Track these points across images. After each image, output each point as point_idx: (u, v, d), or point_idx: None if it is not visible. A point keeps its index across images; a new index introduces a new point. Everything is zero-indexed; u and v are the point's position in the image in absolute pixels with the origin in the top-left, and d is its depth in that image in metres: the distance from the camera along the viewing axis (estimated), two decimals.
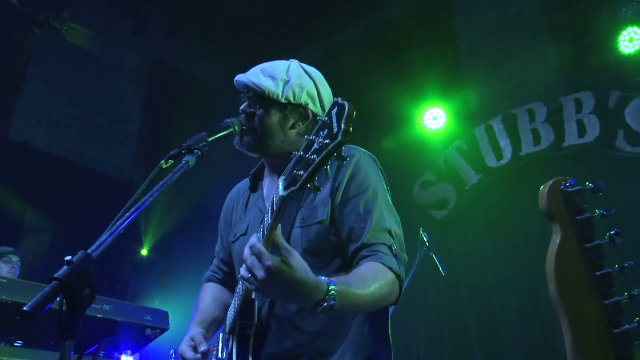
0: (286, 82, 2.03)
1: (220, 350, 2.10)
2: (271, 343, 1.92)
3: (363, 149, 2.09)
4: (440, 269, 4.76)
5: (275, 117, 2.03)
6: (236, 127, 1.99)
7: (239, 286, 1.93)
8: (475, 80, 7.05)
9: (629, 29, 5.91)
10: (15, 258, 5.45)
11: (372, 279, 1.71)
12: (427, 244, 4.66)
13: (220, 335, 2.16)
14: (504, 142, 6.49)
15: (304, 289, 1.50)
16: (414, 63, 7.15)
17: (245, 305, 1.88)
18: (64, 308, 1.33)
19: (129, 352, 3.97)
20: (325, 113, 1.31)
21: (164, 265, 9.09)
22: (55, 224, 7.71)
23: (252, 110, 2.05)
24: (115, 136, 8.96)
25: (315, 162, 1.26)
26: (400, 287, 1.83)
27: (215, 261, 2.49)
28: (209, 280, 2.46)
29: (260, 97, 2.03)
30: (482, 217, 6.56)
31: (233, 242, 2.24)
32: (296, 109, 2.05)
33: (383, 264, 1.79)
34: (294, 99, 2.03)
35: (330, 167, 1.29)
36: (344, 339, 1.91)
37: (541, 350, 5.62)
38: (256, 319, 1.91)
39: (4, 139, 7.71)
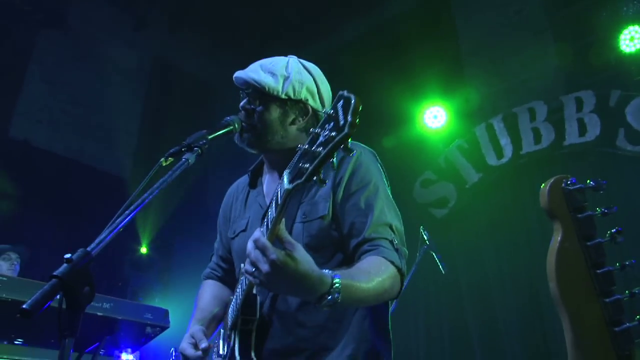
0: (286, 78, 2.03)
1: (221, 347, 2.10)
2: (273, 338, 1.93)
3: (364, 145, 2.09)
4: (441, 267, 4.76)
5: (275, 113, 2.04)
6: (236, 125, 1.99)
7: (241, 282, 1.93)
8: (476, 78, 7.04)
9: (630, 27, 5.91)
10: (14, 255, 5.45)
11: (374, 273, 1.72)
12: (427, 242, 4.66)
13: (221, 332, 2.16)
14: (505, 141, 6.49)
15: (309, 282, 1.50)
16: (414, 62, 7.14)
17: (247, 301, 1.88)
18: (64, 306, 1.32)
19: (129, 350, 3.98)
20: (330, 106, 1.31)
21: (164, 264, 9.09)
22: (55, 222, 7.71)
23: (251, 106, 2.05)
24: (115, 134, 8.95)
25: (322, 154, 1.26)
26: (402, 281, 1.84)
27: (214, 258, 2.48)
28: (208, 277, 2.46)
29: (260, 94, 2.03)
30: (483, 216, 6.56)
31: (232, 238, 2.24)
32: (296, 105, 2.05)
33: (385, 258, 1.80)
34: (294, 94, 2.03)
35: (336, 160, 1.28)
36: (345, 333, 1.92)
37: (541, 348, 5.62)
38: (258, 314, 1.92)
39: (4, 137, 7.71)
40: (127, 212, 1.51)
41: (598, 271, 1.21)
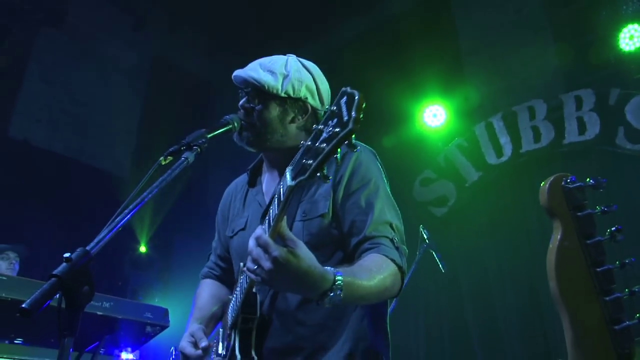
0: (285, 77, 2.03)
1: (220, 347, 2.10)
2: (273, 337, 1.93)
3: (363, 144, 2.10)
4: (440, 266, 4.76)
5: (274, 111, 2.04)
6: (235, 124, 1.99)
7: (241, 280, 1.93)
8: (476, 77, 7.04)
9: (630, 26, 5.90)
10: (12, 254, 5.42)
11: (376, 271, 1.72)
12: (427, 241, 4.66)
13: (220, 331, 2.16)
14: (504, 140, 6.49)
15: (311, 279, 1.50)
16: (414, 60, 7.14)
17: (248, 299, 1.88)
18: (63, 305, 1.32)
19: (129, 349, 3.98)
20: (329, 104, 1.31)
21: (164, 263, 9.09)
22: (54, 221, 7.71)
23: (251, 105, 2.05)
24: (114, 133, 8.95)
25: (326, 150, 1.26)
26: (402, 279, 1.85)
27: (212, 258, 2.48)
28: (206, 276, 2.45)
29: (259, 92, 2.03)
30: (482, 215, 6.56)
31: (231, 237, 2.24)
32: (295, 103, 2.05)
33: (386, 256, 1.80)
34: (294, 93, 2.03)
35: (339, 156, 1.28)
36: (343, 332, 1.92)
37: (541, 347, 5.62)
38: (258, 312, 1.92)
39: (4, 136, 7.71)
40: (126, 211, 1.51)
41: (598, 269, 1.21)
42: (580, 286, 1.19)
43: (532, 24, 6.80)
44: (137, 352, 4.09)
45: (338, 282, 1.54)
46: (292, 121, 2.06)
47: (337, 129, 1.25)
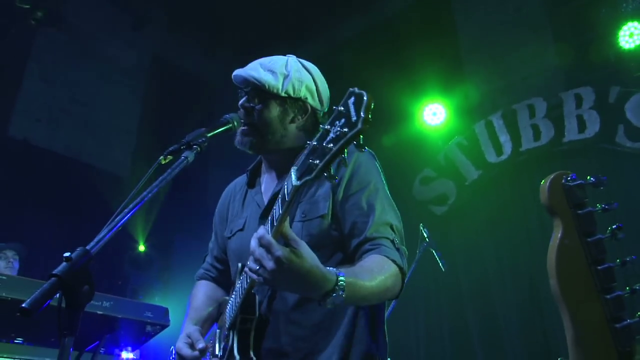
0: (286, 76, 2.03)
1: (216, 348, 2.10)
2: (270, 338, 1.93)
3: None
4: (441, 264, 4.76)
5: (275, 111, 2.04)
6: (235, 123, 1.99)
7: (240, 281, 1.93)
8: (475, 75, 7.04)
9: (629, 24, 5.90)
10: (10, 253, 5.37)
11: (377, 271, 1.72)
12: (427, 239, 4.66)
13: (217, 332, 2.16)
14: (504, 138, 6.49)
15: (313, 279, 1.50)
16: (414, 59, 7.13)
17: (247, 300, 1.88)
18: (63, 305, 1.32)
19: (129, 348, 3.98)
20: (341, 103, 1.30)
21: (164, 262, 9.09)
22: (54, 221, 7.71)
23: (251, 105, 2.05)
24: (114, 133, 8.95)
25: (333, 150, 1.26)
26: (403, 280, 1.85)
27: (208, 259, 2.48)
28: (201, 278, 2.45)
29: (259, 92, 2.03)
30: (482, 213, 6.56)
31: (229, 237, 2.24)
32: (295, 103, 2.06)
33: (387, 257, 1.80)
34: (294, 92, 2.03)
35: (347, 156, 1.28)
36: (340, 333, 1.92)
37: (541, 345, 5.62)
38: (257, 313, 1.91)
39: (4, 136, 7.70)
40: (126, 210, 1.50)
41: (598, 267, 1.21)
42: (581, 284, 1.19)
43: (532, 22, 6.80)
44: (138, 351, 4.09)
45: (340, 282, 1.54)
46: (292, 121, 2.06)
47: (345, 129, 1.24)
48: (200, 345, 1.98)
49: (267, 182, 2.21)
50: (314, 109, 2.08)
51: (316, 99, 2.09)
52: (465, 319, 6.31)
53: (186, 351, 2.00)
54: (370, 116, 1.22)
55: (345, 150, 1.26)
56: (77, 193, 7.67)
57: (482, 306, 6.21)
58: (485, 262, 6.35)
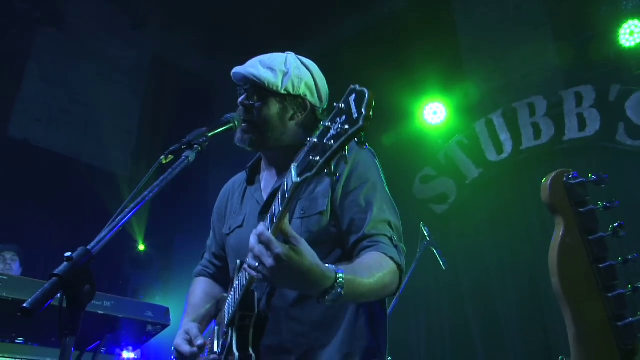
0: (285, 74, 2.04)
1: (215, 345, 2.10)
2: (269, 334, 1.93)
3: None
4: (441, 263, 4.76)
5: (274, 108, 2.04)
6: (236, 122, 1.99)
7: (239, 278, 1.93)
8: (476, 74, 7.03)
9: (630, 22, 5.89)
10: (8, 255, 5.27)
11: (376, 269, 1.73)
12: (427, 238, 4.66)
13: (215, 329, 2.16)
14: (505, 136, 6.49)
15: (313, 276, 1.50)
16: (413, 57, 7.12)
17: (246, 297, 1.88)
18: (64, 305, 1.32)
19: (130, 348, 3.98)
20: (342, 100, 1.30)
21: (164, 262, 9.09)
22: (55, 221, 7.71)
23: (250, 102, 2.05)
24: (114, 132, 8.94)
25: (334, 147, 1.26)
26: (401, 277, 1.86)
27: (206, 256, 2.48)
28: (199, 275, 2.45)
29: (259, 89, 2.03)
30: (483, 212, 6.56)
31: (228, 234, 2.24)
32: (295, 100, 2.06)
33: (385, 254, 1.81)
34: (293, 90, 2.04)
35: (348, 153, 1.28)
36: (340, 330, 1.92)
37: (542, 342, 5.62)
38: (256, 310, 1.91)
39: (4, 136, 7.70)
40: (127, 210, 1.50)
41: (600, 266, 1.20)
42: (582, 282, 1.19)
43: (532, 20, 6.79)
44: (139, 351, 4.09)
45: (339, 279, 1.54)
46: (292, 118, 2.06)
47: (346, 126, 1.24)
48: (199, 341, 1.98)
49: (266, 180, 2.21)
50: (313, 106, 2.08)
51: (315, 96, 2.09)
52: (466, 318, 6.31)
53: (185, 347, 1.99)
54: (371, 113, 1.22)
55: (346, 147, 1.25)
56: (77, 193, 7.67)
57: (483, 304, 6.21)
58: (486, 260, 6.35)
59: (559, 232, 1.22)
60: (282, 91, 2.02)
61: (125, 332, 3.71)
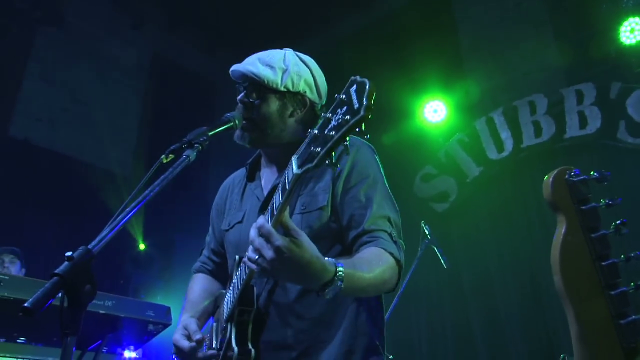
0: (284, 71, 2.03)
1: (214, 341, 2.09)
2: (269, 330, 1.92)
3: (362, 139, 2.09)
4: (442, 261, 4.76)
5: (274, 105, 2.03)
6: (237, 121, 1.98)
7: (238, 273, 1.92)
8: (476, 72, 7.03)
9: (630, 19, 5.89)
10: (7, 257, 5.17)
11: (375, 263, 1.73)
12: (428, 236, 4.66)
13: (214, 325, 2.16)
14: (505, 135, 6.48)
15: (313, 269, 1.49)
16: (414, 56, 7.13)
17: (245, 292, 1.87)
18: (66, 304, 1.32)
19: (131, 347, 3.98)
20: (342, 91, 1.30)
21: (165, 261, 9.09)
22: (56, 220, 7.70)
23: (249, 100, 2.04)
24: (115, 131, 8.93)
25: (335, 137, 1.25)
26: (400, 273, 1.86)
27: (205, 252, 2.47)
28: (198, 271, 2.45)
29: (258, 86, 2.03)
30: (484, 210, 6.56)
31: (227, 230, 2.23)
32: (294, 97, 2.06)
33: (384, 249, 1.81)
34: (293, 86, 2.03)
35: (349, 145, 1.27)
36: (341, 327, 1.92)
37: (543, 341, 5.63)
38: (255, 305, 1.91)
39: (4, 136, 7.70)
40: (128, 209, 1.50)
41: (603, 263, 1.20)
42: (585, 280, 1.19)
43: (532, 18, 6.79)
44: (140, 350, 4.09)
45: (339, 273, 1.54)
46: (291, 115, 2.06)
47: (347, 117, 1.24)
48: (198, 336, 1.97)
49: (267, 176, 2.20)
50: (312, 103, 2.08)
51: (315, 92, 2.09)
52: (467, 316, 6.32)
53: (183, 343, 1.99)
54: (372, 103, 1.21)
55: (348, 138, 1.25)
56: (77, 192, 7.66)
57: (484, 303, 6.21)
58: (487, 258, 6.35)
59: (561, 230, 1.21)
60: (282, 88, 2.02)
61: (127, 331, 3.70)
